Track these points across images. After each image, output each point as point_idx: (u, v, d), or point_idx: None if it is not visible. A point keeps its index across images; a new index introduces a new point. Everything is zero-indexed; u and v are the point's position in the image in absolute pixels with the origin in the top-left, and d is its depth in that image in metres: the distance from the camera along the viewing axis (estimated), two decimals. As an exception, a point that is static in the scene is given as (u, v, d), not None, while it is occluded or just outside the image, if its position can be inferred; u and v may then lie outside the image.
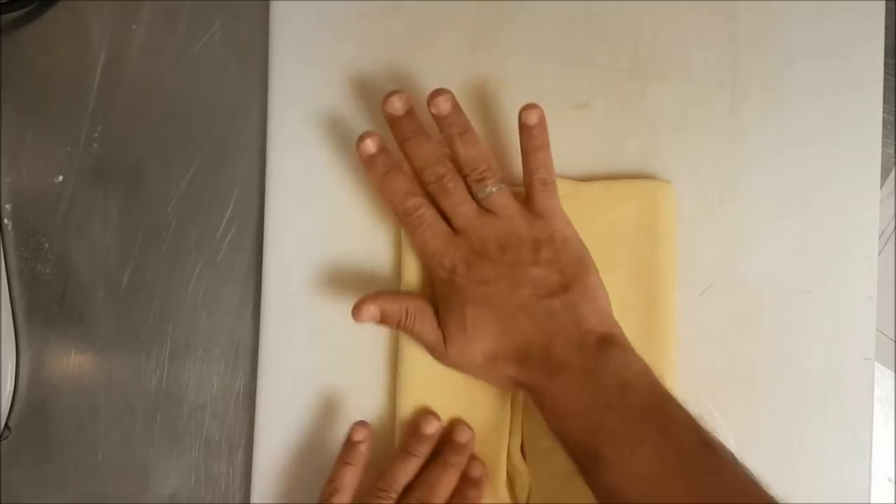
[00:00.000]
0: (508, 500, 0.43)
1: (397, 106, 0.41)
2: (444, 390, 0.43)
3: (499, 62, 0.45)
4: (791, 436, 0.43)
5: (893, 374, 0.46)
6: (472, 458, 0.42)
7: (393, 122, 0.41)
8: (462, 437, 0.42)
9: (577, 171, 0.44)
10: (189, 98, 0.48)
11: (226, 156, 0.48)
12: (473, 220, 0.40)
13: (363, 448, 0.42)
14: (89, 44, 0.48)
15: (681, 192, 0.44)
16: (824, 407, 0.43)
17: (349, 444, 0.43)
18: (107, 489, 0.47)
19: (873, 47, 0.44)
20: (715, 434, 0.36)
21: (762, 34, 0.44)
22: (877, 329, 0.44)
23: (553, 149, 0.44)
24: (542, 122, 0.40)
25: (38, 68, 0.49)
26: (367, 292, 0.45)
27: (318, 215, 0.45)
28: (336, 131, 0.46)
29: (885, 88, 0.44)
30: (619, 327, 0.39)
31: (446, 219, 0.40)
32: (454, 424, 0.42)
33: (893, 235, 0.46)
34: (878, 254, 0.44)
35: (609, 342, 0.38)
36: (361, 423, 0.43)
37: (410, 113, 0.41)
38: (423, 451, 0.42)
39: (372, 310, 0.39)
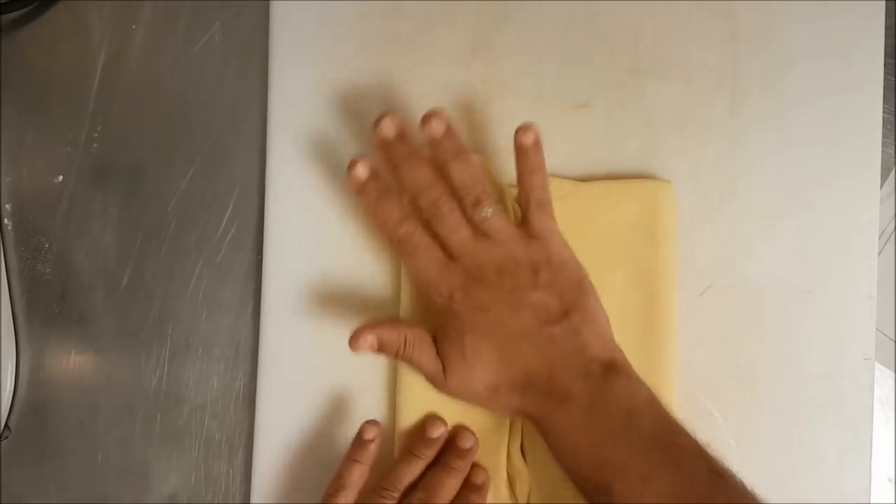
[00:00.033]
0: (509, 501, 0.43)
1: (388, 129, 0.39)
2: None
3: (499, 62, 0.45)
4: (791, 436, 0.43)
5: (893, 374, 0.46)
6: (475, 465, 0.43)
7: (384, 145, 0.40)
8: (466, 442, 0.42)
9: (577, 171, 0.44)
10: (189, 98, 0.48)
11: (226, 156, 0.48)
12: (469, 246, 0.39)
13: (372, 447, 0.42)
14: (89, 44, 0.48)
15: (681, 192, 0.44)
16: (824, 407, 0.43)
17: (359, 441, 0.42)
18: (107, 489, 0.47)
19: (873, 47, 0.44)
20: (724, 462, 0.35)
21: (762, 34, 0.44)
22: (877, 329, 0.44)
23: (553, 149, 0.44)
24: (537, 143, 0.39)
25: (38, 68, 0.49)
26: (366, 292, 0.45)
27: (318, 215, 0.45)
28: (336, 131, 0.46)
29: (885, 88, 0.44)
30: (621, 351, 0.39)
31: (441, 244, 0.39)
32: (458, 430, 0.42)
33: (893, 235, 0.46)
34: (878, 254, 0.44)
35: (614, 370, 0.37)
36: (372, 422, 0.43)
37: (402, 136, 0.40)
38: (428, 454, 0.42)
39: (370, 339, 0.39)
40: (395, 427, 0.43)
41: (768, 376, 0.43)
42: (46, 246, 0.49)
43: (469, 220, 0.39)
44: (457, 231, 0.39)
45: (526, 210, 0.40)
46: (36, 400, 0.48)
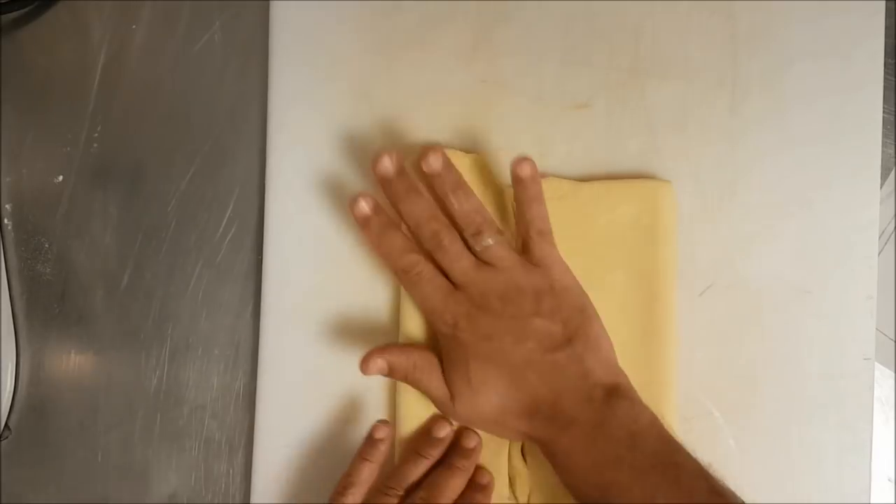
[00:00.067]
0: (509, 501, 0.43)
1: (387, 167, 0.40)
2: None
3: (499, 62, 0.45)
4: (791, 436, 0.43)
5: (893, 374, 0.46)
6: (479, 466, 0.43)
7: (384, 182, 0.40)
8: (469, 442, 0.42)
9: (577, 171, 0.44)
10: (189, 98, 0.48)
11: (226, 156, 0.48)
12: (472, 275, 0.40)
13: (383, 447, 0.42)
14: (89, 44, 0.48)
15: (681, 192, 0.44)
16: (824, 407, 0.43)
17: (369, 440, 0.43)
18: (107, 489, 0.47)
19: (873, 47, 0.44)
20: (724, 482, 0.36)
21: (762, 34, 0.44)
22: (877, 329, 0.44)
23: (553, 149, 0.44)
24: (534, 174, 0.40)
25: (38, 68, 0.49)
26: (366, 292, 0.45)
27: (318, 215, 0.45)
28: (336, 131, 0.46)
29: (885, 88, 0.44)
30: (625, 375, 0.40)
31: (444, 274, 0.40)
32: (461, 430, 0.43)
33: (893, 235, 0.46)
34: (878, 254, 0.44)
35: (616, 394, 0.38)
36: (383, 422, 0.43)
37: (402, 172, 0.40)
38: (434, 453, 0.42)
39: (379, 363, 0.40)
40: (395, 428, 0.43)
41: (768, 376, 0.43)
42: (46, 246, 0.49)
43: (471, 249, 0.40)
44: (459, 260, 0.40)
45: (527, 239, 0.40)
46: (36, 400, 0.48)
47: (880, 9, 0.44)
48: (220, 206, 0.47)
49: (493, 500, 0.43)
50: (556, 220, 0.41)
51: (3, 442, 0.48)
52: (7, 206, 0.49)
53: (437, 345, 0.41)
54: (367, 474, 0.42)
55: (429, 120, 0.45)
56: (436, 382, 0.40)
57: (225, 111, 0.48)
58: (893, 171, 0.46)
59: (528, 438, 0.40)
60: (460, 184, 0.40)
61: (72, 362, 0.48)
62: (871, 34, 0.44)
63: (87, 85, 0.48)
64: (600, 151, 0.45)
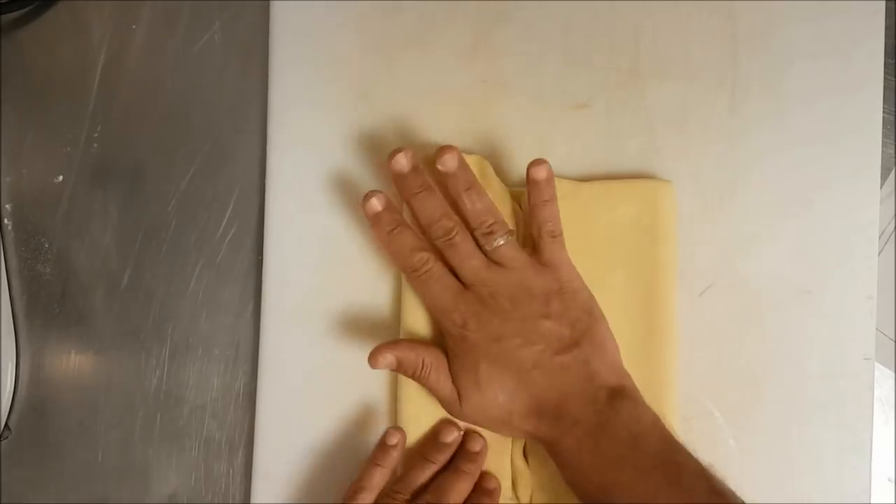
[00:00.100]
0: (512, 501, 0.43)
1: (403, 163, 0.40)
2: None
3: (499, 62, 0.45)
4: (791, 436, 0.43)
5: (893, 374, 0.46)
6: (486, 471, 0.43)
7: (399, 178, 0.41)
8: (475, 445, 0.42)
9: (577, 171, 0.44)
10: (189, 98, 0.48)
11: (226, 156, 0.48)
12: (482, 274, 0.40)
13: (395, 453, 0.42)
14: (89, 44, 0.48)
15: (681, 192, 0.44)
16: (824, 407, 0.43)
17: (382, 446, 0.43)
18: (107, 489, 0.47)
19: (873, 47, 0.44)
20: (724, 482, 0.36)
21: (762, 34, 0.44)
22: (877, 329, 0.44)
23: (553, 149, 0.44)
24: (549, 177, 0.40)
25: (38, 68, 0.49)
26: (367, 291, 0.45)
27: (318, 215, 0.45)
28: (336, 131, 0.46)
29: (885, 88, 0.44)
30: (630, 377, 0.40)
31: (454, 273, 0.40)
32: (467, 433, 0.43)
33: (893, 235, 0.46)
34: (878, 254, 0.44)
35: (620, 395, 0.38)
36: (396, 428, 0.43)
37: (416, 169, 0.41)
38: (441, 458, 0.42)
39: (388, 358, 0.40)
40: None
41: (768, 376, 0.43)
42: (46, 246, 0.49)
43: (482, 248, 0.40)
44: (469, 259, 0.40)
45: (538, 240, 0.41)
46: (36, 400, 0.48)
47: (880, 9, 0.44)
48: (220, 206, 0.47)
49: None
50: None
51: (3, 442, 0.48)
52: (7, 206, 0.49)
53: (442, 344, 0.41)
54: (379, 479, 0.42)
55: (429, 120, 0.45)
56: (443, 381, 0.40)
57: (225, 111, 0.48)
58: (893, 171, 0.46)
59: (533, 438, 0.40)
60: (473, 184, 0.40)
61: (72, 362, 0.48)
62: (871, 34, 0.44)
63: (87, 85, 0.48)
64: (600, 151, 0.45)
